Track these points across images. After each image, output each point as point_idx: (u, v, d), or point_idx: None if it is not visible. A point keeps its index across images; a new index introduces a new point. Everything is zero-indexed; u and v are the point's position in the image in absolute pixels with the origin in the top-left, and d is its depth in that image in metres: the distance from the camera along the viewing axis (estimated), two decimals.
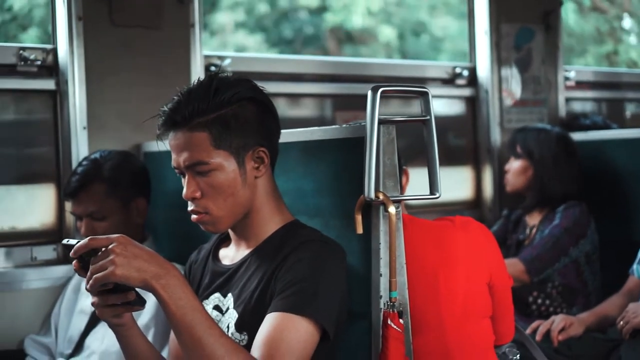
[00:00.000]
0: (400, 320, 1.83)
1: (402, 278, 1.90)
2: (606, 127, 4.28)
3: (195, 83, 1.92)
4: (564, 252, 3.34)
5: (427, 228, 2.23)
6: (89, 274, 1.67)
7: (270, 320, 1.75)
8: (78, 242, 1.69)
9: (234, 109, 1.88)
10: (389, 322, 1.82)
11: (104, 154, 2.84)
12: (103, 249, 1.66)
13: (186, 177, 1.89)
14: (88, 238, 1.68)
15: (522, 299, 3.33)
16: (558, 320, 3.06)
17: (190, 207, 1.91)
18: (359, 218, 1.89)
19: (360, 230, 1.89)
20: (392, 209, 1.84)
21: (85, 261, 1.70)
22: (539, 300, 3.37)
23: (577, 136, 3.72)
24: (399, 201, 1.90)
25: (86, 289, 1.70)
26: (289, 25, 9.46)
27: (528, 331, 3.02)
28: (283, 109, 3.90)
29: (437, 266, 2.18)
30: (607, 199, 3.66)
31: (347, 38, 9.49)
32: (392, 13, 9.36)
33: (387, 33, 9.21)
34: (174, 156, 1.90)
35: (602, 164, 3.72)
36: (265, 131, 1.93)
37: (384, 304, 1.86)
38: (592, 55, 7.76)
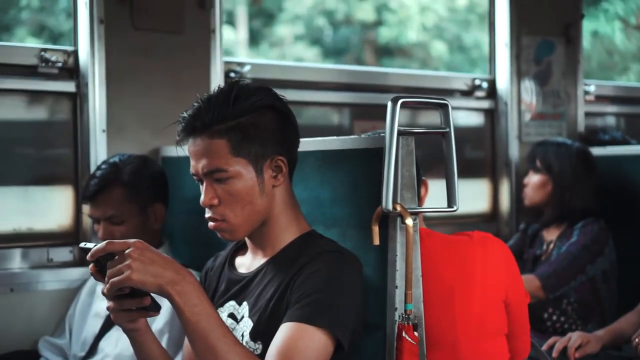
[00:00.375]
0: (415, 333, 1.82)
1: (418, 290, 1.90)
2: (625, 142, 4.26)
3: (215, 90, 1.92)
4: (581, 270, 3.32)
5: (445, 243, 2.22)
6: (106, 278, 1.67)
7: (284, 330, 1.75)
8: (95, 245, 1.70)
9: (254, 116, 1.88)
10: (404, 334, 1.81)
11: (124, 158, 2.84)
12: (120, 253, 1.67)
13: (204, 184, 1.90)
14: (105, 242, 1.69)
15: (537, 315, 3.31)
16: (575, 338, 3.04)
17: (207, 214, 1.91)
18: (376, 229, 1.89)
19: (377, 241, 1.88)
20: (409, 221, 1.84)
21: (101, 265, 1.71)
22: (554, 317, 3.35)
23: (596, 151, 3.70)
24: (416, 213, 1.90)
25: (102, 293, 1.71)
26: (343, 38, 9.75)
27: (544, 348, 3.00)
28: (301, 117, 3.90)
29: (453, 282, 2.17)
30: (625, 214, 3.64)
31: (386, 51, 9.75)
32: (444, 28, 9.59)
33: (439, 48, 9.45)
34: (192, 162, 1.91)
35: (620, 179, 3.69)
36: (284, 140, 1.93)
37: (399, 316, 1.85)
38: (634, 73, 7.81)
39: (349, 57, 9.70)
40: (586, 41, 6.42)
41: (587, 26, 6.32)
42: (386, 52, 9.85)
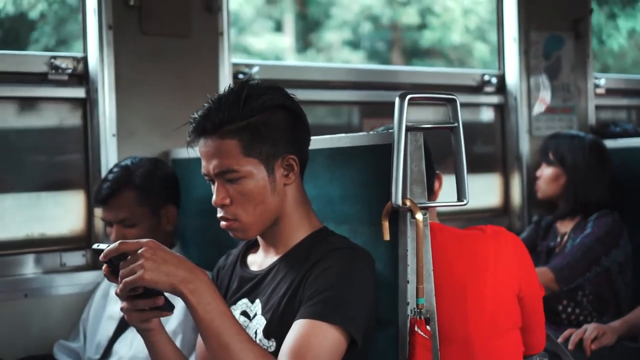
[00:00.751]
0: (428, 327, 1.82)
1: (430, 285, 1.90)
2: (636, 134, 4.25)
3: (226, 90, 1.92)
4: (596, 262, 3.31)
5: (457, 237, 2.21)
6: (119, 278, 1.68)
7: (297, 327, 1.75)
8: (108, 246, 1.70)
9: (264, 116, 1.88)
10: (416, 329, 1.81)
11: (135, 160, 2.86)
12: (133, 253, 1.68)
13: (216, 184, 1.90)
14: (118, 242, 1.69)
15: (551, 307, 3.30)
16: (591, 329, 3.03)
17: (219, 214, 1.92)
18: (386, 225, 1.89)
19: (387, 237, 1.89)
20: (419, 216, 1.84)
21: (114, 266, 1.72)
22: (569, 309, 3.34)
23: (608, 144, 3.69)
24: (426, 208, 1.90)
25: (116, 293, 1.72)
26: (385, 41, 9.92)
27: (560, 340, 2.99)
28: (311, 116, 3.89)
29: (465, 276, 2.16)
30: (636, 206, 3.63)
31: (413, 53, 9.91)
32: (485, 30, 9.73)
33: (481, 49, 9.62)
34: (204, 163, 1.91)
35: (632, 171, 3.68)
36: (295, 139, 1.93)
37: (411, 310, 1.86)
38: None
39: (381, 59, 9.87)
40: (623, 39, 6.49)
41: (624, 25, 6.41)
42: (414, 54, 9.97)
